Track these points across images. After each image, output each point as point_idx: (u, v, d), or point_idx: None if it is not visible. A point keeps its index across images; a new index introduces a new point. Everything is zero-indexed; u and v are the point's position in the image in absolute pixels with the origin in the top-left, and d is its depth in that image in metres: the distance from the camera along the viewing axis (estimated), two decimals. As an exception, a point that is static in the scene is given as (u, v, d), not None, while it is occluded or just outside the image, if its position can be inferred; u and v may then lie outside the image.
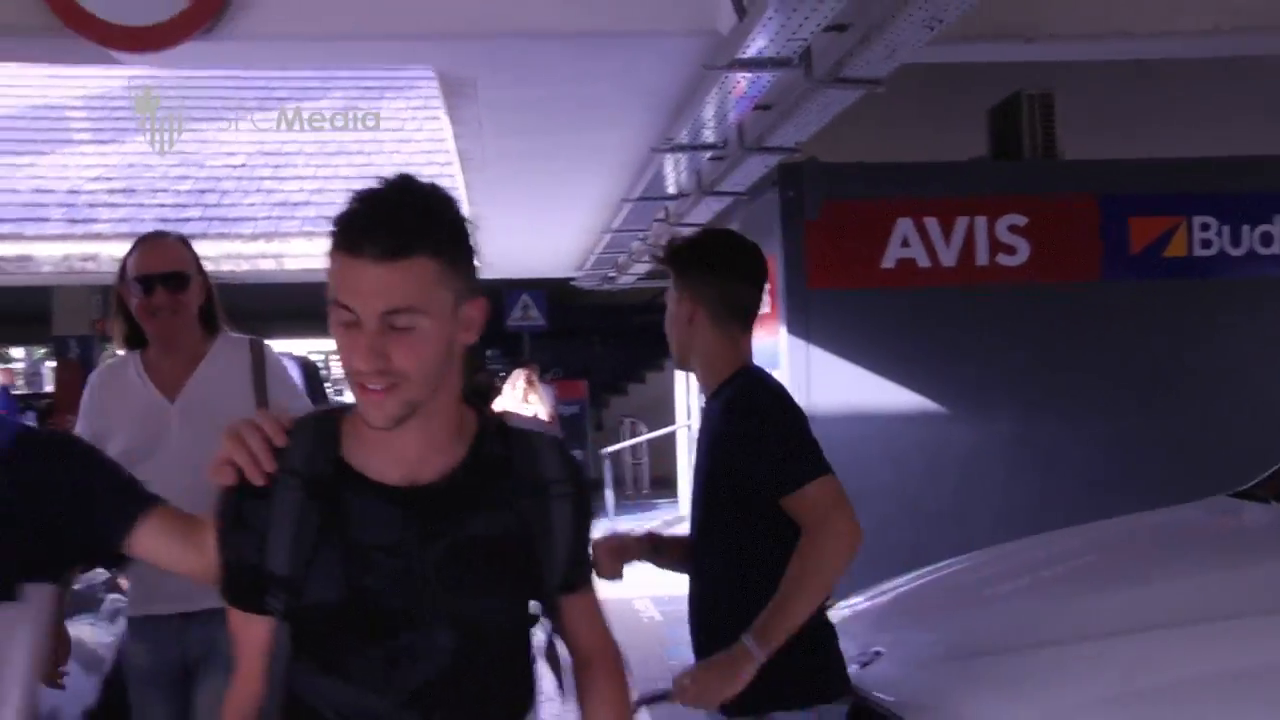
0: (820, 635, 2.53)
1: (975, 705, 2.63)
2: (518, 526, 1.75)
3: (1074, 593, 3.31)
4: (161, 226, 12.69)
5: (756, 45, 3.97)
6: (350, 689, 1.72)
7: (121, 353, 3.46)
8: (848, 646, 2.65)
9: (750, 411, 2.54)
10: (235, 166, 13.98)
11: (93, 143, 14.24)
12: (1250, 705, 2.53)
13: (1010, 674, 2.71)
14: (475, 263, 1.72)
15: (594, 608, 1.91)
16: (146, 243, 3.40)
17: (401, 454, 1.71)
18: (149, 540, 2.10)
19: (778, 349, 6.46)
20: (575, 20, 4.23)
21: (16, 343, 26.02)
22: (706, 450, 2.68)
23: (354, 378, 1.63)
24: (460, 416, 1.77)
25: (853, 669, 2.64)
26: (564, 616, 1.86)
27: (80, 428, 3.20)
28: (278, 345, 15.45)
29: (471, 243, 1.70)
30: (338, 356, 1.70)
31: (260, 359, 3.38)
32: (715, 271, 2.64)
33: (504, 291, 14.59)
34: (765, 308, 6.60)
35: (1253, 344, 6.38)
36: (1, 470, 2.04)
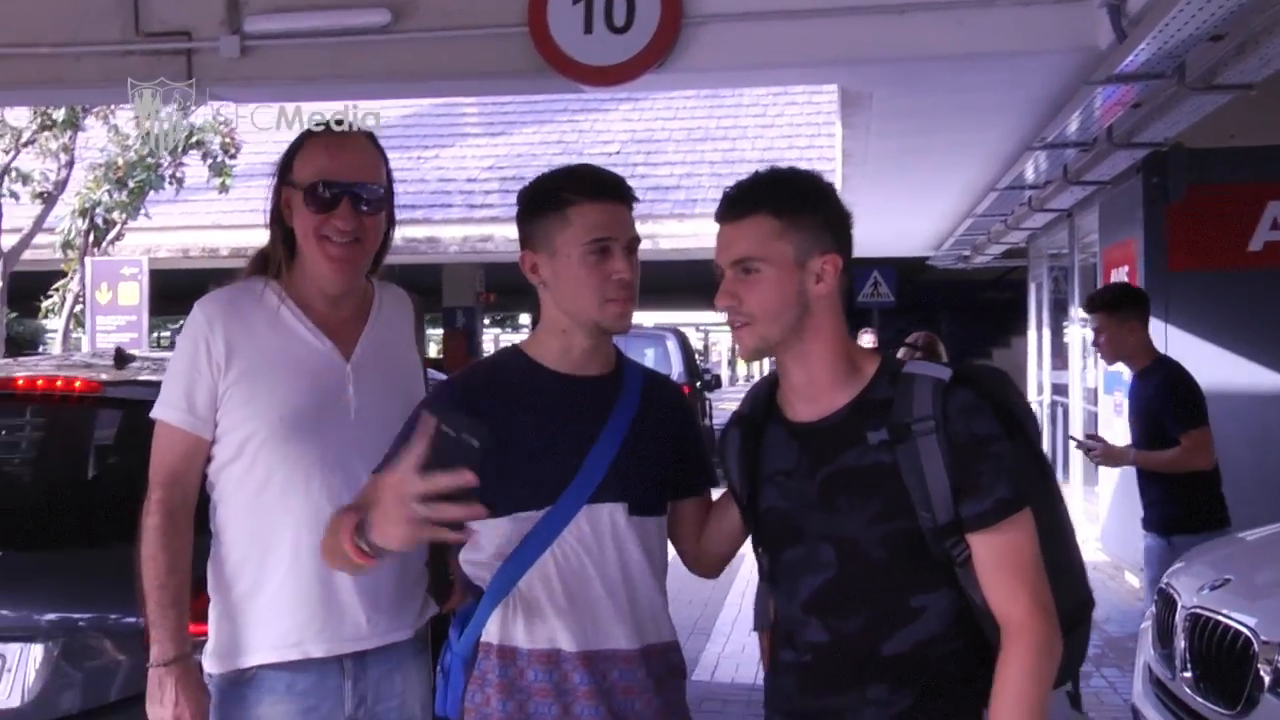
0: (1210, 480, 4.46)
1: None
2: (887, 460, 1.85)
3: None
4: (547, 210, 14.19)
5: (1135, 61, 4.29)
6: (777, 590, 2.02)
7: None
8: (1205, 574, 3.28)
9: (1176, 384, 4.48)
10: (611, 154, 14.81)
11: (485, 135, 15.44)
12: None
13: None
14: (828, 225, 1.92)
15: (998, 557, 1.82)
16: (329, 135, 2.48)
17: (801, 391, 1.96)
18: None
19: None
20: (968, 43, 4.55)
21: None
22: (1141, 412, 4.58)
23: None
24: (849, 362, 1.95)
25: (1205, 591, 3.25)
26: (970, 566, 1.85)
27: (180, 369, 2.39)
28: (653, 318, 17.19)
29: (823, 206, 1.93)
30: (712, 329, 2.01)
31: (421, 317, 2.74)
32: (1138, 304, 4.67)
33: (854, 270, 14.89)
34: None
35: None
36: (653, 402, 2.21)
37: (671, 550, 2.28)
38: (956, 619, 1.87)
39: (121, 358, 3.77)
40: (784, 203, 1.89)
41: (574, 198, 2.18)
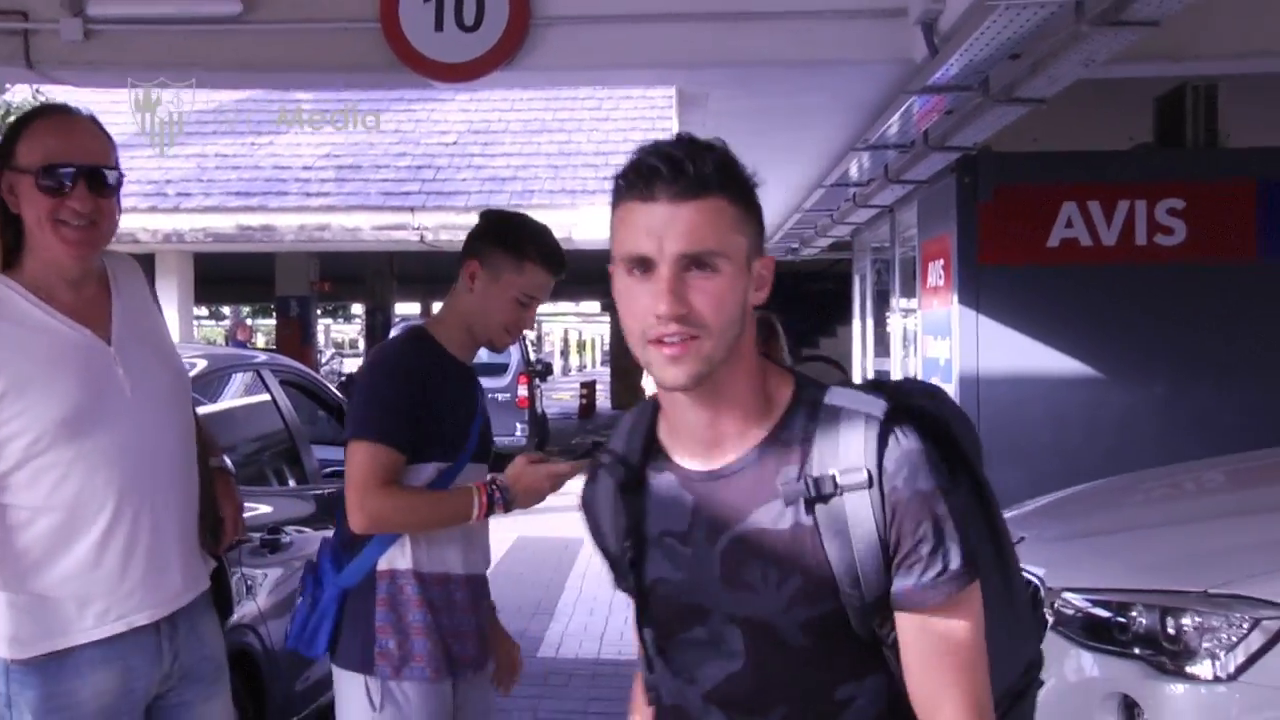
0: None
1: (1069, 562, 3.62)
2: (807, 522, 1.48)
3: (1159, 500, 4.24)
4: (384, 201, 14.13)
5: (946, 75, 4.60)
6: (668, 675, 1.63)
7: None
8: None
9: None
10: (448, 144, 14.86)
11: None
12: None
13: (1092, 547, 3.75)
14: (761, 219, 1.56)
15: (928, 641, 1.47)
16: (61, 115, 2.48)
17: (699, 433, 1.55)
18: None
19: (950, 318, 6.91)
20: (798, 51, 4.72)
21: (242, 302, 27.12)
22: None
23: (647, 334, 1.46)
24: (764, 391, 1.56)
25: None
26: (894, 646, 1.52)
27: None
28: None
29: (757, 199, 1.56)
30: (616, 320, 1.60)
31: (151, 277, 2.75)
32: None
33: None
34: (940, 280, 7.30)
35: None
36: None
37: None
38: (889, 709, 1.53)
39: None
40: (741, 186, 1.51)
41: (536, 259, 2.84)
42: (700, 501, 1.55)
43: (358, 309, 29.48)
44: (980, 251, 6.79)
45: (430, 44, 4.82)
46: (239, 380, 5.06)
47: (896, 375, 9.93)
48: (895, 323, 9.75)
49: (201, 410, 3.18)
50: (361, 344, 19.39)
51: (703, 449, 1.56)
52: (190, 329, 17.20)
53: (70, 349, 2.41)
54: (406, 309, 26.41)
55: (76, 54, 4.76)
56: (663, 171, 1.45)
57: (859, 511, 1.46)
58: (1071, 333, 6.72)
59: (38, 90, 10.97)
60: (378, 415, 2.70)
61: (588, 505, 1.70)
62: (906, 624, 1.49)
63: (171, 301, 14.66)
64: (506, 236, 2.85)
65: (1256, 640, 2.98)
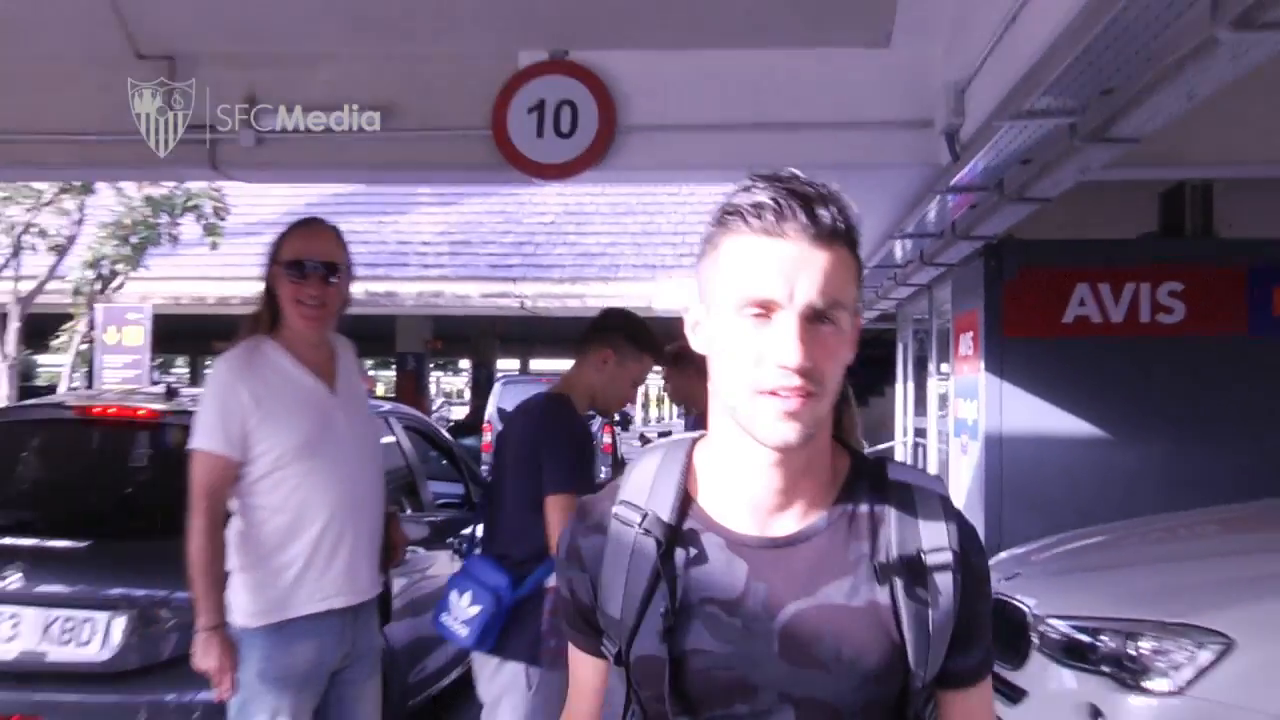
0: None
1: (1057, 594, 3.77)
2: (883, 599, 1.25)
3: (1142, 543, 4.36)
4: (490, 272, 14.56)
5: (967, 177, 4.76)
6: None
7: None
8: (1005, 568, 3.88)
9: None
10: (546, 223, 15.25)
11: (437, 205, 15.70)
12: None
13: (1078, 582, 3.90)
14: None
15: (986, 709, 1.35)
16: (311, 225, 2.92)
17: (759, 497, 1.27)
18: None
19: (977, 383, 6.98)
20: (843, 155, 4.90)
21: (366, 357, 28.58)
22: None
23: (760, 384, 1.19)
24: (833, 459, 1.31)
25: (1001, 581, 3.85)
26: (945, 716, 1.34)
27: (216, 405, 2.75)
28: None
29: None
30: (721, 375, 1.23)
31: (358, 355, 3.10)
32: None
33: None
34: (970, 350, 7.42)
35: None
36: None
37: None
38: None
39: (171, 392, 4.22)
40: (858, 238, 1.26)
41: (652, 352, 3.35)
42: (757, 570, 1.26)
43: (464, 364, 29.98)
44: (1005, 325, 6.92)
45: (533, 148, 5.07)
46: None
47: (932, 432, 10.10)
48: (932, 386, 9.85)
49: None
50: (467, 394, 19.72)
51: (760, 515, 1.27)
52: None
53: (308, 393, 2.85)
54: (507, 364, 26.89)
55: (250, 158, 5.14)
56: (797, 211, 1.19)
57: (944, 592, 1.25)
58: (1084, 398, 6.78)
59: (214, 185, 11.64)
60: (574, 471, 3.04)
61: (582, 557, 1.33)
62: (956, 699, 1.33)
63: (308, 355, 15.23)
64: (637, 335, 3.31)
65: (1203, 661, 3.17)
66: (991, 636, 1.33)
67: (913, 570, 1.25)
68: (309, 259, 2.80)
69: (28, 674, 3.47)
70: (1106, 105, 3.70)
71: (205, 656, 2.71)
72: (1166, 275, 6.84)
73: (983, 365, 6.94)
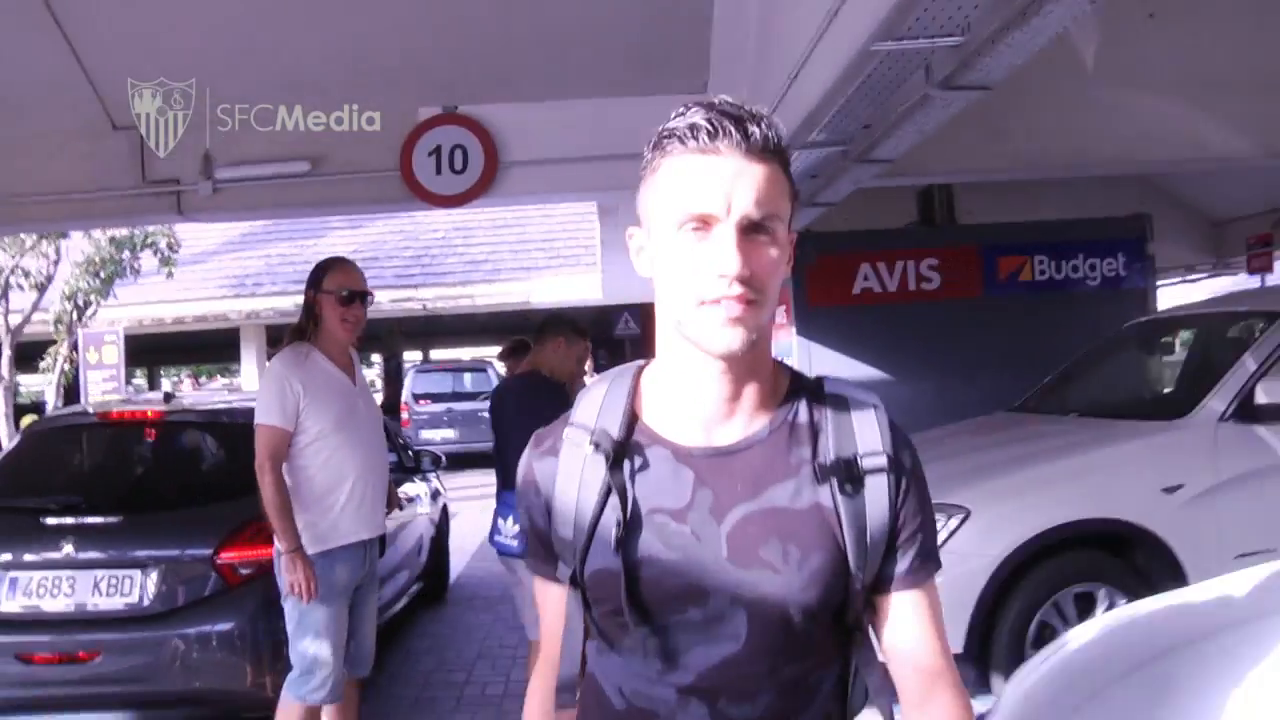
0: None
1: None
2: (825, 501, 1.09)
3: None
4: (395, 280, 14.49)
5: None
6: (632, 669, 1.12)
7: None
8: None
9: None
10: (439, 238, 15.05)
11: (348, 229, 15.27)
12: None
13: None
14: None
15: (925, 613, 1.13)
16: (347, 264, 3.24)
17: (706, 408, 1.11)
18: None
19: (791, 345, 7.11)
20: None
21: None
22: None
23: (704, 294, 1.04)
24: (774, 373, 1.15)
25: None
26: (882, 621, 1.14)
27: (275, 391, 3.00)
28: (471, 354, 17.86)
29: None
30: (671, 288, 1.06)
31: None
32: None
33: (613, 312, 15.16)
34: (782, 319, 7.59)
35: (1071, 334, 6.52)
36: None
37: None
38: (840, 694, 1.16)
39: (168, 397, 4.39)
40: (788, 157, 1.10)
41: (586, 338, 3.88)
42: (702, 478, 1.10)
43: (375, 357, 29.40)
44: (809, 298, 7.12)
45: (433, 183, 5.28)
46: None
47: None
48: None
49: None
50: (378, 383, 19.49)
51: (705, 426, 1.11)
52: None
53: (339, 384, 3.16)
54: (411, 355, 26.41)
55: (208, 204, 5.25)
56: (730, 129, 1.04)
57: (878, 494, 1.10)
58: (872, 350, 6.99)
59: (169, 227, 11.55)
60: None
61: (536, 481, 1.17)
62: (901, 602, 1.13)
63: (251, 360, 14.90)
64: (575, 328, 3.94)
65: (952, 526, 3.71)
66: (934, 541, 1.15)
67: (850, 472, 1.10)
68: (352, 289, 3.17)
69: (85, 620, 3.63)
70: (867, 136, 4.10)
71: (292, 570, 2.97)
72: (925, 254, 7.17)
73: (794, 330, 7.15)
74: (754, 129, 1.04)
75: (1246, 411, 3.85)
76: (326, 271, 3.20)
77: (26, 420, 8.46)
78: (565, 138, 5.11)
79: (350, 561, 3.14)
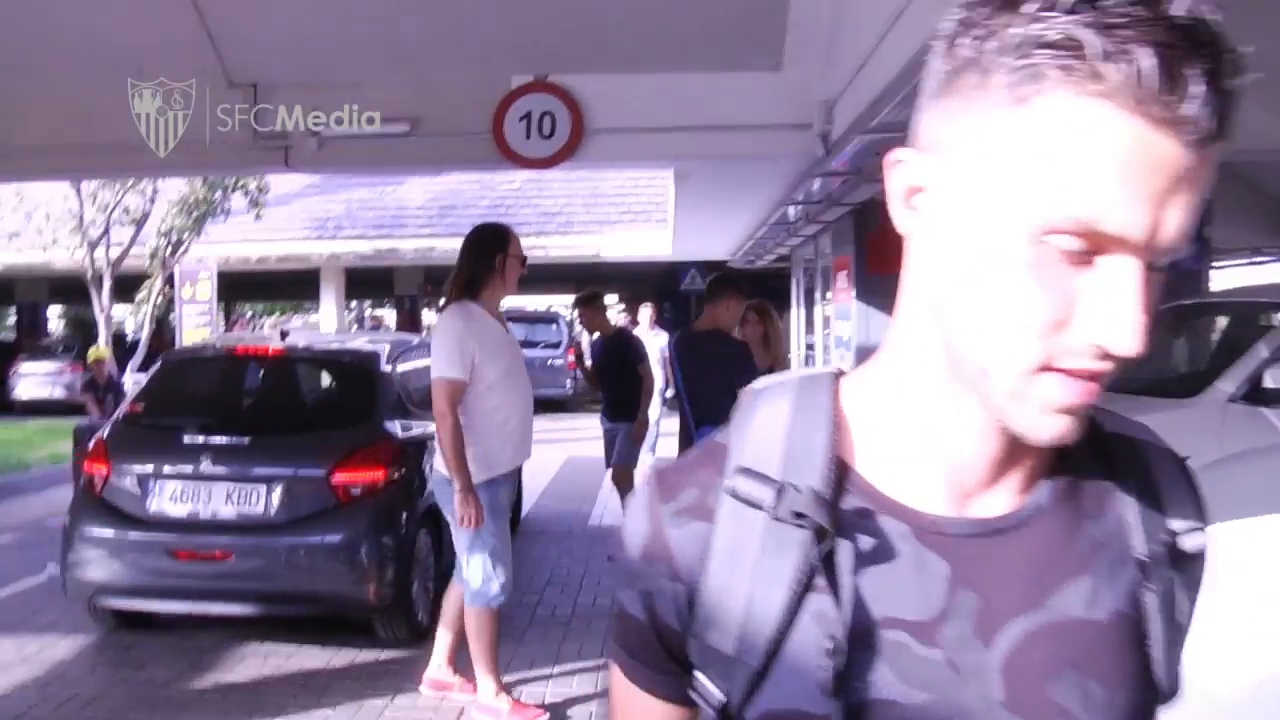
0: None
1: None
2: (1126, 605, 0.67)
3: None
4: (468, 227, 14.74)
5: (837, 164, 5.36)
6: None
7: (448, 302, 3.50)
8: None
9: None
10: (515, 189, 15.34)
11: (427, 179, 15.52)
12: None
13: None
14: None
15: None
16: (515, 235, 3.64)
17: (962, 467, 0.66)
18: None
19: (850, 310, 7.43)
20: (745, 149, 5.37)
21: (368, 299, 28.01)
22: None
23: (1058, 359, 0.58)
24: None
25: None
26: None
27: (455, 346, 3.27)
28: (541, 302, 18.30)
29: None
30: (970, 324, 0.60)
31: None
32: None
33: (680, 268, 15.47)
34: (844, 285, 7.97)
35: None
36: None
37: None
38: None
39: (284, 335, 4.85)
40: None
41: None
42: (962, 573, 0.66)
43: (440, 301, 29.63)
44: (869, 265, 7.26)
45: (523, 146, 5.47)
46: (415, 351, 5.97)
47: (819, 347, 10.24)
48: (819, 311, 10.19)
49: (415, 365, 4.20)
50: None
51: (958, 489, 0.67)
52: (344, 320, 17.96)
53: (502, 337, 3.45)
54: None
55: (314, 158, 5.57)
56: (1200, 81, 0.53)
57: (1196, 586, 0.70)
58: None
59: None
60: (753, 371, 4.05)
61: (671, 555, 0.68)
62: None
63: (330, 300, 15.50)
64: (740, 287, 4.54)
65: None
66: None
67: (1173, 561, 0.68)
68: (522, 254, 3.58)
69: (219, 526, 4.14)
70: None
71: (465, 506, 3.29)
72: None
73: (854, 295, 7.34)
74: (1229, 84, 0.54)
75: (1256, 394, 3.97)
76: (509, 239, 3.55)
77: (93, 353, 8.66)
78: (646, 108, 5.26)
79: (508, 485, 3.51)
